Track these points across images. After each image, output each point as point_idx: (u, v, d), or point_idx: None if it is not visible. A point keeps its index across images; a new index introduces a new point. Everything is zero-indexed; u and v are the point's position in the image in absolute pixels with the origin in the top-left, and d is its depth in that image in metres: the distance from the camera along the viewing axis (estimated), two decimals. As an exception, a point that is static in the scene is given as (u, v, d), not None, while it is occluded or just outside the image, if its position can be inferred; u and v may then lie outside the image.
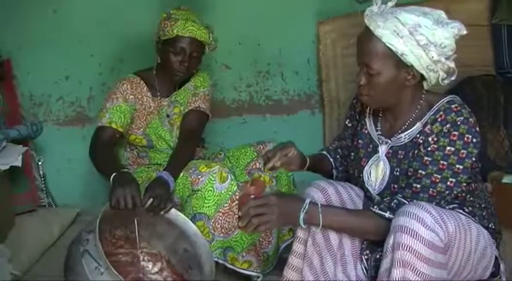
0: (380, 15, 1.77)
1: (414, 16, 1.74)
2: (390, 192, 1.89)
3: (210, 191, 2.28)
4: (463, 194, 1.86)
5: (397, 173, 1.89)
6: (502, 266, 1.88)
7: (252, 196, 1.75)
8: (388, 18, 1.75)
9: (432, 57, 1.74)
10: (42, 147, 3.23)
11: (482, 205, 1.90)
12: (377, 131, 1.96)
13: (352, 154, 2.04)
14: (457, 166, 1.76)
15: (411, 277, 1.61)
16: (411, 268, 1.61)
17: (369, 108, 2.00)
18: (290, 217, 1.77)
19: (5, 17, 3.13)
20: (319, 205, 1.79)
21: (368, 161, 1.96)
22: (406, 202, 1.76)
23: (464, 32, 1.76)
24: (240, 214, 1.75)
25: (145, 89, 2.59)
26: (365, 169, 1.96)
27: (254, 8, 3.27)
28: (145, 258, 2.31)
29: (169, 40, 2.48)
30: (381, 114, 1.96)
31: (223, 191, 2.29)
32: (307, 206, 1.76)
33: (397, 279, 1.62)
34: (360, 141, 2.01)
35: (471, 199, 1.88)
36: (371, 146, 1.97)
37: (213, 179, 2.29)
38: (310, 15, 3.28)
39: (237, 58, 3.32)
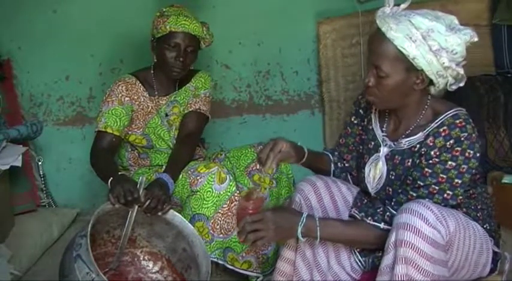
0: (393, 18, 1.74)
1: (427, 21, 1.71)
2: (385, 194, 1.90)
3: (208, 192, 2.28)
4: None
5: (392, 177, 1.89)
6: (507, 265, 1.89)
7: (250, 211, 1.76)
8: (401, 21, 1.72)
9: (443, 63, 1.73)
10: (42, 147, 3.23)
11: (478, 207, 1.90)
12: (383, 132, 1.95)
13: (361, 147, 2.03)
14: (456, 180, 1.76)
15: (414, 274, 1.62)
16: (414, 265, 1.62)
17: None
18: (288, 232, 1.78)
19: (5, 16, 3.13)
20: (317, 218, 1.79)
21: (369, 158, 1.96)
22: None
23: (476, 39, 1.75)
24: (237, 228, 1.77)
25: (141, 88, 2.58)
26: (366, 165, 1.97)
27: (254, 8, 3.26)
28: (146, 257, 2.31)
29: (163, 37, 2.48)
30: (387, 115, 1.95)
31: (222, 192, 2.29)
32: (304, 220, 1.77)
33: (399, 275, 1.63)
34: (363, 137, 2.01)
35: (466, 200, 1.88)
36: (373, 143, 1.97)
37: (211, 180, 2.29)
38: (310, 15, 3.27)
39: (237, 58, 3.32)
